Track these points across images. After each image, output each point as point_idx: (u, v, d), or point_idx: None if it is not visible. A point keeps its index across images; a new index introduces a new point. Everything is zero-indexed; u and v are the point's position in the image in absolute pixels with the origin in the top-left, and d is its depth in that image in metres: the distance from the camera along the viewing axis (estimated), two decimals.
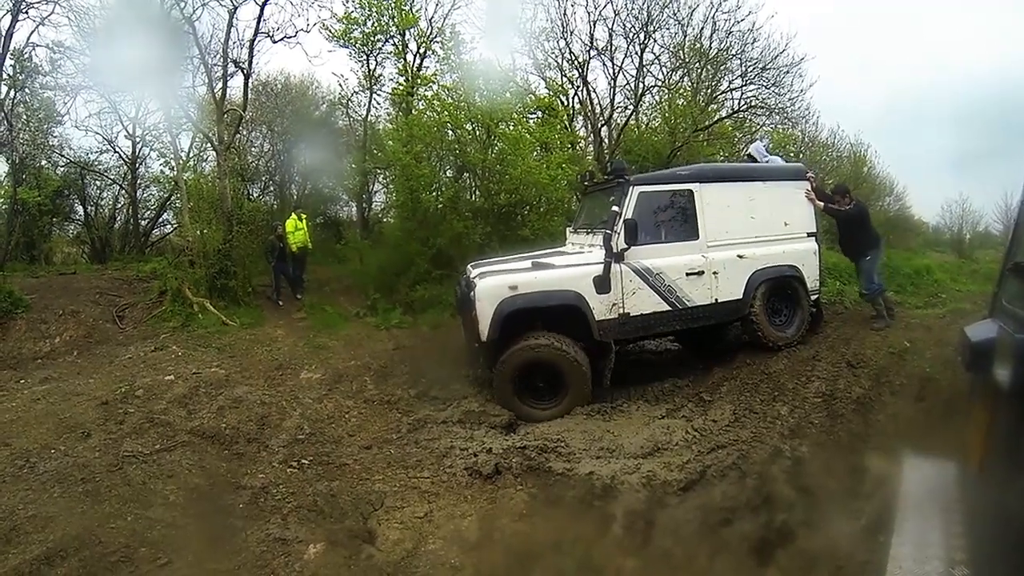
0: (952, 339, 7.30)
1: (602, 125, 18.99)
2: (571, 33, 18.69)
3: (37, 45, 15.50)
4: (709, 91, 19.72)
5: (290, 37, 15.08)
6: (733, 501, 5.40)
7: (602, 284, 8.00)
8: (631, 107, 19.18)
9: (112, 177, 20.34)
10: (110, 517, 5.01)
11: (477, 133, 14.39)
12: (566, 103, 18.76)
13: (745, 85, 19.40)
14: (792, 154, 20.38)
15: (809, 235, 9.03)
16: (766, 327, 8.63)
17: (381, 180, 19.45)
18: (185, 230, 14.87)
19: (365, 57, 17.35)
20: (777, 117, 19.91)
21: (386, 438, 7.08)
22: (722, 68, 19.48)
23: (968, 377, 4.09)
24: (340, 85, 18.63)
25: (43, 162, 18.64)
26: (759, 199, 8.76)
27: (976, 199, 27.86)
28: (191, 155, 18.75)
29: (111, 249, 19.85)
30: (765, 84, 19.23)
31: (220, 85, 14.85)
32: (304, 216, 14.82)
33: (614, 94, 19.32)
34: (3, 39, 13.79)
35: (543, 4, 19.57)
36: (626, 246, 8.02)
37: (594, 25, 18.61)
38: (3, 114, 15.41)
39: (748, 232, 8.66)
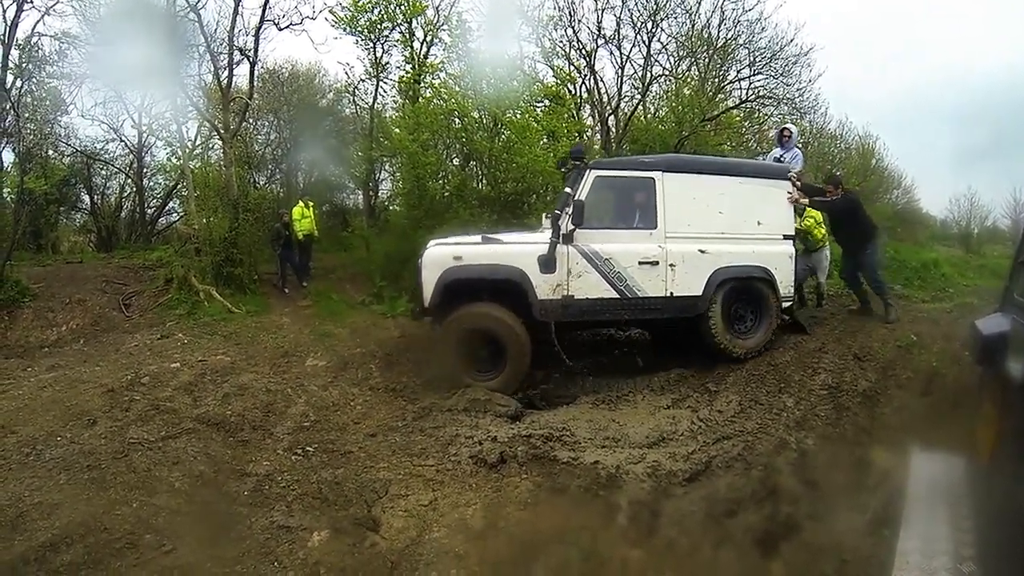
0: (959, 333, 7.30)
1: (609, 114, 18.98)
2: (579, 21, 18.66)
3: (42, 35, 15.49)
4: (717, 81, 19.66)
5: (296, 24, 15.05)
6: (738, 493, 5.39)
7: (547, 263, 7.95)
8: (638, 96, 19.14)
9: (118, 166, 20.39)
10: (115, 504, 5.02)
11: (484, 121, 14.36)
12: (573, 92, 18.70)
13: (753, 75, 19.42)
14: (800, 145, 20.34)
15: (786, 237, 8.67)
16: (721, 331, 8.32)
17: (387, 168, 19.39)
18: (191, 218, 14.86)
19: (372, 45, 17.29)
20: (785, 107, 19.82)
21: (391, 426, 7.06)
22: (730, 58, 19.46)
23: (978, 371, 4.07)
24: (346, 73, 18.65)
25: (49, 151, 18.68)
26: (731, 194, 8.45)
27: (984, 194, 27.71)
28: (197, 143, 18.75)
29: (117, 238, 19.91)
30: (773, 74, 19.28)
31: (226, 73, 14.81)
32: (310, 204, 14.84)
33: (621, 83, 19.30)
34: (8, 29, 13.77)
35: None
36: (572, 227, 7.92)
37: (601, 13, 18.58)
38: (10, 104, 15.41)
39: (714, 227, 8.37)
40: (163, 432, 6.15)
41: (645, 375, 8.34)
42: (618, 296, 8.13)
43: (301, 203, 14.59)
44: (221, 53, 15.12)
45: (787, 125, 10.73)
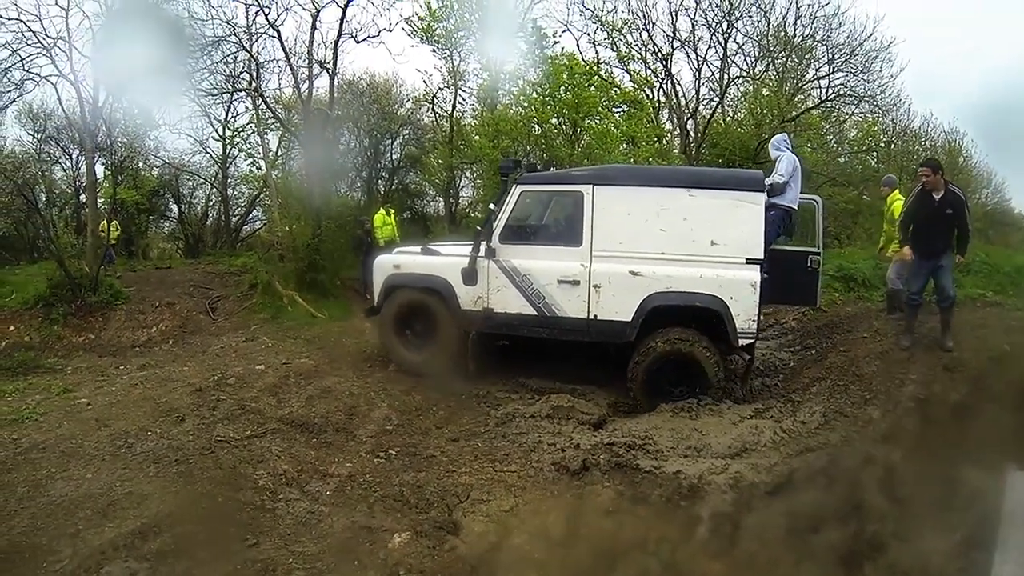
0: None
1: (688, 118, 18.78)
2: (653, 24, 18.59)
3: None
4: (795, 80, 19.27)
5: (373, 37, 15.35)
6: (821, 507, 5.16)
7: (469, 276, 8.07)
8: (716, 99, 18.90)
9: (204, 177, 21.17)
10: (202, 498, 5.11)
11: (563, 127, 14.36)
12: (651, 96, 18.58)
13: (832, 73, 19.00)
14: (882, 144, 19.77)
15: (749, 262, 7.38)
16: (640, 381, 7.53)
17: (468, 175, 19.64)
18: (274, 226, 15.27)
19: (448, 53, 17.51)
20: (866, 105, 19.31)
21: (474, 431, 7.03)
22: (807, 56, 19.06)
23: None
24: (424, 82, 18.92)
25: (140, 164, 19.51)
26: (676, 209, 7.51)
27: None
28: (279, 154, 19.27)
29: (204, 244, 20.77)
30: (853, 71, 18.82)
31: (306, 86, 15.24)
32: (392, 211, 15.07)
33: (699, 86, 19.20)
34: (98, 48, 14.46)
35: None
36: (487, 241, 7.99)
37: (676, 16, 18.52)
38: (101, 120, 16.11)
39: (652, 246, 7.53)
40: (248, 431, 6.23)
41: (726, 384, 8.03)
42: (536, 314, 7.91)
43: (383, 210, 14.81)
44: (301, 66, 15.55)
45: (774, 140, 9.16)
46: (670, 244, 7.50)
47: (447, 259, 8.40)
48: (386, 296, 8.60)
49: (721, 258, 7.40)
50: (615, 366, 7.96)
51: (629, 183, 7.91)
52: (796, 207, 8.40)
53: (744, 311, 7.34)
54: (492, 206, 8.32)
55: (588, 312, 7.72)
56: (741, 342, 7.46)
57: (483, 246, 8.00)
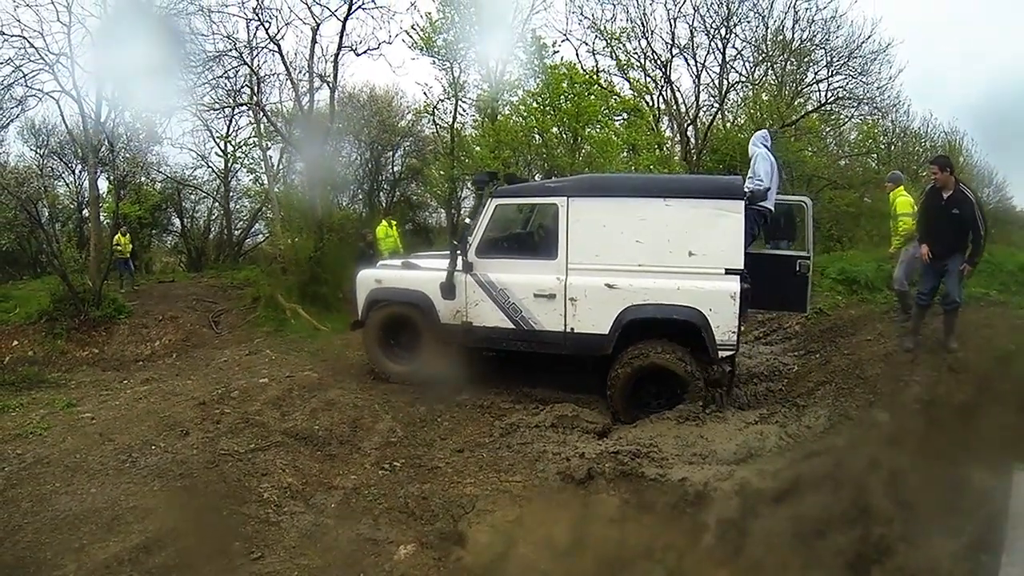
0: None
1: (688, 125, 18.83)
2: (652, 32, 18.68)
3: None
4: (794, 84, 19.37)
5: (373, 50, 15.44)
6: (827, 512, 5.14)
7: (447, 290, 8.01)
8: (716, 105, 18.97)
9: (206, 191, 21.27)
10: (206, 511, 5.14)
11: (564, 136, 14.38)
12: (651, 103, 18.63)
13: (831, 76, 19.06)
14: (883, 146, 19.77)
15: (729, 272, 7.11)
16: (619, 398, 7.38)
17: (469, 186, 19.65)
18: (277, 239, 15.29)
19: (448, 65, 17.56)
20: (866, 108, 19.36)
21: (478, 442, 6.98)
22: (806, 59, 19.19)
23: None
24: (425, 93, 18.99)
25: (142, 179, 19.58)
26: (653, 219, 7.31)
27: None
28: (280, 167, 19.33)
29: (206, 258, 20.86)
30: (851, 73, 18.88)
31: (307, 99, 15.32)
32: (394, 223, 15.03)
33: (699, 92, 19.29)
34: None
35: (622, 4, 19.33)
36: (464, 255, 7.92)
37: (674, 23, 18.61)
38: (104, 135, 16.18)
39: (628, 258, 7.35)
40: (252, 444, 6.23)
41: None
42: (514, 327, 7.82)
43: (385, 222, 14.80)
44: (302, 80, 15.64)
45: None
46: (647, 255, 7.34)
47: (426, 274, 8.34)
48: (369, 310, 8.64)
49: (700, 269, 7.19)
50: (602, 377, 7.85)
51: (604, 194, 7.73)
52: (772, 207, 8.12)
53: (724, 323, 7.13)
54: (468, 220, 8.33)
55: (565, 325, 7.61)
56: (721, 354, 7.25)
57: (460, 260, 7.95)
